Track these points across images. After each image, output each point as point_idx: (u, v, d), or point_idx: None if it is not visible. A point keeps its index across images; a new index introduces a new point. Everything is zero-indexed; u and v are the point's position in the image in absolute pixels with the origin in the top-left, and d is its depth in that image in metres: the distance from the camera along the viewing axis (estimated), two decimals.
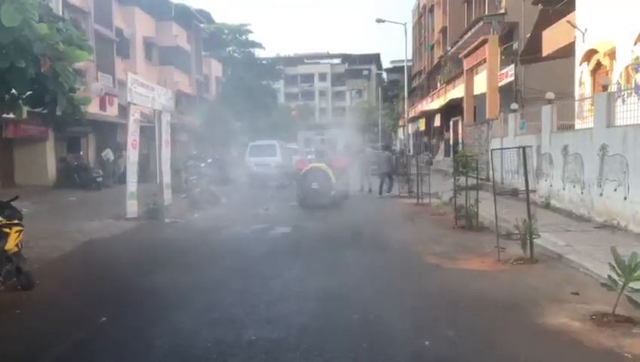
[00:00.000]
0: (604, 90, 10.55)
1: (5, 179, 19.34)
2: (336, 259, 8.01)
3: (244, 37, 46.45)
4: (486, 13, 27.18)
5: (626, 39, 12.36)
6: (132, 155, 12.75)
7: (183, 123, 30.14)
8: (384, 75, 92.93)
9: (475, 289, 6.13)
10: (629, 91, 11.04)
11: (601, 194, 9.86)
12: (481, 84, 25.56)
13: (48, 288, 6.46)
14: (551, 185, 12.34)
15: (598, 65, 14.36)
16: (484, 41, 24.18)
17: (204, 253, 8.85)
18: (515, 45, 23.80)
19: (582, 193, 10.68)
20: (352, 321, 5.09)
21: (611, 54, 13.39)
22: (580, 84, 15.53)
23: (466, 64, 27.63)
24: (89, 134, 24.11)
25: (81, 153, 23.93)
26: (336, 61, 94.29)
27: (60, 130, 21.14)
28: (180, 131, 28.87)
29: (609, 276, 5.00)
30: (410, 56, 46.60)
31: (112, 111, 25.07)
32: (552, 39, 17.67)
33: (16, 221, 6.28)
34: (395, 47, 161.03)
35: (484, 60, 24.51)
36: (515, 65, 22.75)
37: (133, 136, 12.71)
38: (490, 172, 15.70)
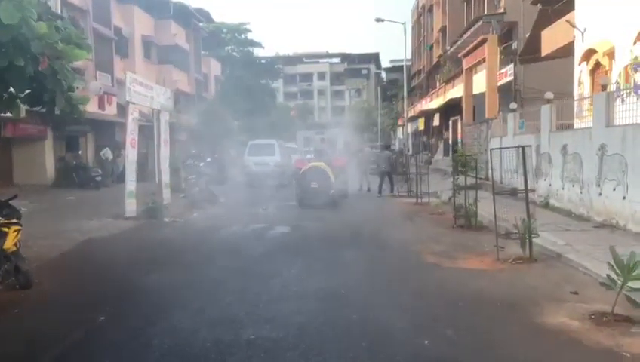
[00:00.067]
0: (603, 90, 10.55)
1: (4, 179, 19.30)
2: (336, 259, 8.01)
3: (243, 36, 46.47)
4: (485, 12, 27.18)
5: (625, 39, 12.36)
6: (131, 154, 12.74)
7: (182, 122, 30.10)
8: (383, 74, 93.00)
9: (474, 288, 6.13)
10: (628, 91, 11.04)
11: (600, 194, 9.86)
12: (480, 83, 25.57)
13: (47, 287, 6.45)
14: (550, 185, 12.35)
15: (597, 64, 14.36)
16: (484, 41, 24.19)
17: (203, 252, 8.84)
18: (515, 45, 23.81)
19: (581, 192, 10.68)
20: (351, 321, 5.09)
21: (610, 54, 13.39)
22: (579, 83, 15.54)
23: (465, 63, 27.64)
24: (88, 133, 24.07)
25: (80, 152, 23.89)
26: (336, 60, 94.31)
27: (59, 129, 21.11)
28: (178, 130, 28.83)
29: (608, 275, 5.00)
30: (409, 56, 46.63)
31: (110, 111, 25.04)
32: (551, 39, 17.68)
33: (14, 220, 6.27)
34: (394, 47, 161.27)
35: (484, 60, 24.52)
36: (515, 65, 22.76)
37: (131, 135, 12.69)
38: (490, 171, 15.73)
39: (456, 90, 30.90)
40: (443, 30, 39.87)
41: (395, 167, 18.92)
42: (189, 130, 32.69)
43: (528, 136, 13.80)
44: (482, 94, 24.64)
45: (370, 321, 5.08)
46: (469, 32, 27.10)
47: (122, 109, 20.23)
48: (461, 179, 10.72)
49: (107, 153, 23.29)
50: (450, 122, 32.96)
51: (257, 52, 49.24)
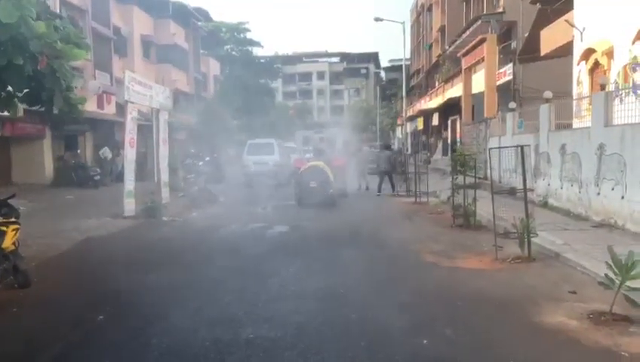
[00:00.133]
0: (601, 90, 10.55)
1: (2, 178, 19.28)
2: (334, 258, 8.01)
3: (242, 35, 46.45)
4: (484, 12, 27.18)
5: (623, 38, 12.37)
6: (130, 154, 12.73)
7: (181, 121, 30.09)
8: (382, 73, 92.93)
9: (472, 287, 6.14)
10: (627, 90, 11.06)
11: (599, 193, 9.87)
12: (479, 83, 25.57)
13: (45, 286, 6.44)
14: (549, 184, 12.36)
15: (596, 64, 14.37)
16: (483, 40, 24.20)
17: (202, 251, 8.84)
18: (514, 44, 23.82)
19: (579, 192, 10.69)
20: (350, 320, 5.09)
21: (609, 53, 13.40)
22: (578, 83, 15.55)
23: (465, 63, 27.65)
24: (86, 132, 24.04)
25: (79, 151, 23.87)
26: (335, 60, 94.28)
27: (57, 128, 21.09)
28: (177, 130, 28.80)
29: (606, 275, 5.01)
30: (408, 55, 46.62)
31: (109, 110, 25.02)
32: (550, 38, 17.68)
33: (13, 219, 6.26)
34: (393, 46, 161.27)
35: (483, 59, 24.52)
36: (514, 64, 22.77)
37: (130, 134, 12.68)
38: (488, 171, 15.73)
39: (455, 90, 30.90)
40: (442, 29, 39.87)
41: (395, 167, 18.94)
42: (188, 129, 32.68)
43: (527, 136, 13.81)
44: (481, 94, 24.65)
45: (369, 321, 5.08)
46: (468, 32, 27.10)
47: (121, 108, 20.22)
48: (460, 179, 10.72)
49: (106, 152, 23.28)
50: (449, 122, 32.97)
51: (256, 51, 49.30)
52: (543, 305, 5.37)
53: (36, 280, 6.41)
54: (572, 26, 15.26)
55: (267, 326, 4.91)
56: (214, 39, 43.96)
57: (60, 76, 7.28)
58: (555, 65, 18.79)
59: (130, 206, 12.37)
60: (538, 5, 18.86)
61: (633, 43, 12.01)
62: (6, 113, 8.19)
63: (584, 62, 14.92)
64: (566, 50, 16.46)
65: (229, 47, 46.62)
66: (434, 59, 42.90)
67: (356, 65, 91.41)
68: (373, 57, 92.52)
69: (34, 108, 8.24)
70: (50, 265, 7.78)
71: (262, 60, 51.01)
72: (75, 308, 5.63)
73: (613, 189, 9.36)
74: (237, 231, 10.78)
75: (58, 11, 19.65)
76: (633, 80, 12.01)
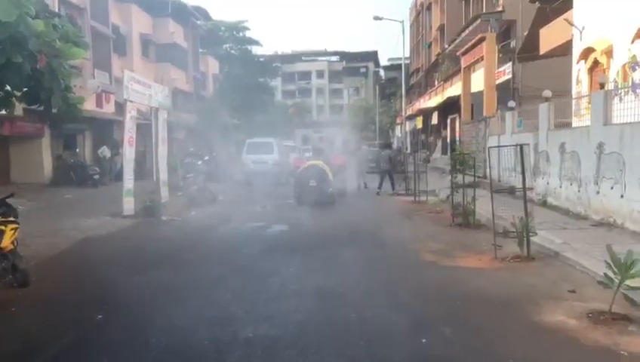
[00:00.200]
0: (601, 88, 10.56)
1: (1, 177, 19.25)
2: (334, 257, 8.01)
3: (241, 34, 46.33)
4: (484, 10, 27.20)
5: (623, 37, 12.37)
6: (129, 153, 12.71)
7: (180, 120, 30.06)
8: (382, 72, 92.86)
9: (472, 286, 6.14)
10: (626, 89, 11.06)
11: (598, 192, 9.87)
12: (478, 81, 25.54)
13: (44, 286, 6.43)
14: (548, 183, 12.36)
15: (596, 63, 14.37)
16: (482, 39, 24.16)
17: (201, 250, 8.84)
18: (513, 43, 23.84)
19: (579, 191, 10.70)
20: (349, 319, 5.09)
21: (608, 52, 13.40)
22: (577, 82, 15.55)
23: (464, 62, 27.61)
24: (85, 131, 24.00)
25: (78, 150, 23.83)
26: (334, 58, 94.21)
27: (56, 127, 21.02)
28: (177, 129, 28.78)
29: (605, 274, 5.01)
30: (407, 54, 46.56)
31: (108, 109, 24.98)
32: (549, 37, 17.68)
33: (11, 218, 6.25)
34: (392, 45, 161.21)
35: (482, 58, 24.48)
36: (513, 63, 22.79)
37: (129, 133, 12.66)
38: (488, 170, 15.72)
39: (454, 89, 30.89)
40: (441, 28, 39.87)
41: (395, 166, 18.96)
42: (187, 128, 32.66)
43: (526, 135, 13.81)
44: (480, 92, 24.60)
45: (368, 320, 5.08)
46: (467, 31, 27.10)
47: (120, 107, 20.16)
48: (459, 178, 10.72)
49: (105, 151, 23.25)
50: (449, 120, 32.98)
51: (256, 50, 49.17)
52: (542, 304, 5.36)
53: (35, 279, 6.40)
54: (571, 24, 15.26)
55: (267, 325, 4.91)
56: (213, 38, 43.87)
57: (58, 75, 7.27)
58: (555, 64, 18.80)
59: (129, 205, 12.36)
60: (537, 4, 18.86)
61: (632, 42, 12.02)
62: (3, 112, 8.17)
63: (583, 61, 14.92)
64: (565, 49, 16.47)
65: (228, 45, 46.52)
66: (433, 58, 42.89)
67: (355, 64, 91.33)
68: (373, 56, 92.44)
69: (33, 107, 8.23)
70: (49, 264, 7.77)
71: (261, 59, 50.93)
72: (74, 308, 5.63)
73: (612, 188, 9.36)
74: (236, 230, 10.77)
75: (57, 10, 19.61)
76: (632, 79, 12.02)
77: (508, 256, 7.42)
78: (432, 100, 38.40)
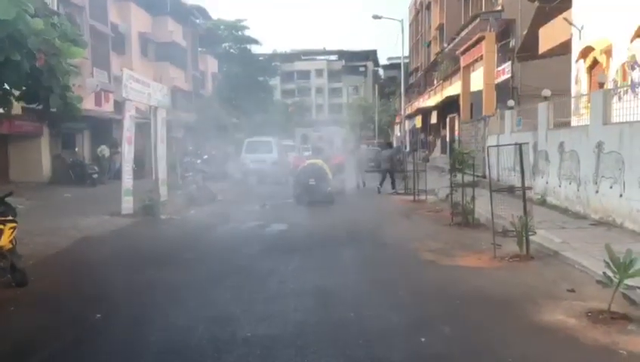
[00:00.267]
0: (600, 87, 10.56)
1: (0, 176, 19.23)
2: (333, 256, 8.01)
3: (240, 33, 46.32)
4: (483, 10, 27.18)
5: (622, 36, 12.35)
6: (127, 151, 12.70)
7: (179, 119, 30.03)
8: (381, 71, 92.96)
9: (471, 286, 6.13)
10: (625, 88, 11.06)
11: (597, 192, 9.88)
12: (477, 81, 25.57)
13: (43, 285, 6.42)
14: (547, 182, 12.36)
15: (595, 62, 14.36)
16: (481, 38, 24.20)
17: (200, 249, 8.83)
18: (512, 42, 23.81)
19: (578, 190, 10.70)
20: (348, 318, 5.08)
21: (608, 51, 13.39)
22: (577, 81, 15.54)
23: (463, 61, 27.65)
24: (84, 130, 23.99)
25: (76, 149, 23.82)
26: (333, 57, 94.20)
27: (55, 126, 21.02)
28: (176, 127, 28.76)
29: (604, 273, 5.01)
30: (407, 53, 46.57)
31: (107, 107, 24.95)
32: (548, 36, 17.67)
33: (10, 217, 6.24)
34: (391, 44, 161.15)
35: (481, 57, 24.52)
36: (512, 63, 22.77)
37: (128, 132, 12.65)
38: (487, 169, 15.70)
39: (453, 88, 30.91)
40: (440, 28, 39.87)
41: (396, 165, 18.97)
42: (186, 127, 32.64)
43: (525, 134, 13.81)
44: (480, 92, 24.64)
45: (367, 319, 5.07)
46: (466, 30, 27.08)
47: (119, 106, 20.13)
48: (458, 177, 10.72)
49: (104, 150, 23.24)
50: (448, 120, 32.99)
51: (255, 49, 49.18)
52: (541, 304, 5.36)
53: (33, 278, 6.38)
54: (570, 24, 15.25)
55: (265, 324, 4.90)
56: (212, 37, 43.86)
57: (57, 74, 7.26)
58: (554, 63, 18.78)
59: (128, 204, 12.35)
60: (536, 3, 18.84)
61: (632, 41, 12.00)
62: (2, 110, 8.16)
63: (583, 60, 14.91)
64: (564, 48, 16.45)
65: (227, 44, 46.52)
66: (432, 57, 42.89)
67: (355, 63, 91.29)
68: (372, 55, 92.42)
69: (31, 106, 8.22)
70: (48, 263, 7.75)
71: (260, 58, 50.91)
72: (73, 307, 5.62)
73: (611, 187, 9.36)
74: (235, 230, 10.77)
75: (55, 8, 19.59)
76: (631, 78, 12.01)
77: (507, 255, 7.42)
78: (431, 99, 38.40)
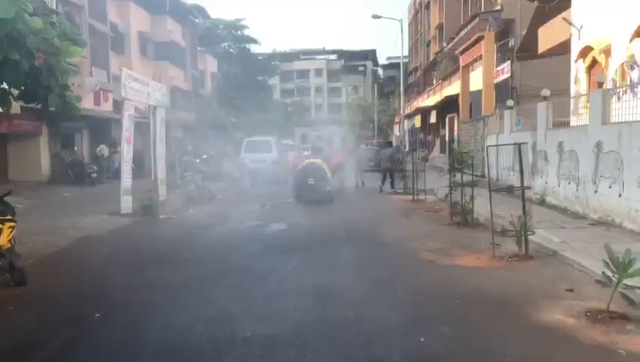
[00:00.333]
0: (599, 87, 10.57)
1: None
2: (332, 256, 8.01)
3: (239, 32, 46.29)
4: (482, 9, 27.19)
5: (621, 36, 12.36)
6: (126, 151, 12.68)
7: (179, 119, 30.00)
8: (380, 71, 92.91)
9: (470, 285, 6.14)
10: (625, 88, 11.07)
11: (596, 191, 9.88)
12: (477, 80, 25.58)
13: (42, 284, 6.41)
14: (546, 182, 12.37)
15: (594, 62, 14.37)
16: (480, 38, 24.21)
17: (199, 249, 8.83)
18: (511, 42, 23.82)
19: (577, 190, 10.71)
20: (347, 318, 5.08)
21: (607, 51, 13.40)
22: (576, 81, 15.55)
23: (462, 61, 27.66)
24: (83, 130, 23.96)
25: (76, 148, 23.79)
26: (332, 57, 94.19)
27: (54, 125, 21.00)
28: (175, 127, 28.73)
29: (603, 273, 5.01)
30: (406, 53, 46.60)
31: (106, 107, 24.92)
32: (548, 36, 17.68)
33: (9, 217, 6.23)
34: (391, 44, 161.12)
35: (480, 57, 24.54)
36: (511, 62, 22.78)
37: (127, 131, 12.64)
38: (486, 169, 15.71)
39: (453, 88, 30.92)
40: (440, 27, 39.88)
41: (396, 164, 18.99)
42: (185, 126, 32.61)
43: (525, 134, 13.82)
44: (479, 91, 24.66)
45: (366, 318, 5.07)
46: (465, 30, 27.10)
47: (118, 106, 20.12)
48: (457, 177, 10.72)
49: (103, 150, 23.21)
50: (447, 119, 33.00)
51: (254, 49, 49.14)
52: (540, 303, 5.37)
53: (32, 278, 6.38)
54: (570, 23, 15.26)
55: (265, 324, 4.90)
56: (212, 36, 43.81)
57: (56, 73, 7.25)
58: (553, 63, 18.79)
59: (127, 203, 12.33)
60: (536, 3, 18.84)
61: (631, 41, 12.01)
62: (1, 110, 8.14)
63: (582, 60, 14.92)
64: (564, 48, 16.46)
65: (226, 44, 46.47)
66: (432, 57, 42.90)
67: (354, 62, 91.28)
68: (371, 55, 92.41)
69: (30, 105, 8.21)
70: (47, 262, 7.75)
71: (259, 57, 50.88)
72: (72, 306, 5.62)
73: (610, 187, 9.37)
74: (234, 229, 10.76)
75: (55, 7, 19.56)
76: (631, 78, 12.02)
77: (506, 254, 7.42)
78: (430, 99, 38.42)
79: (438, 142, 37.16)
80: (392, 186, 17.68)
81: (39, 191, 17.19)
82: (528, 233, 7.42)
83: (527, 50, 20.00)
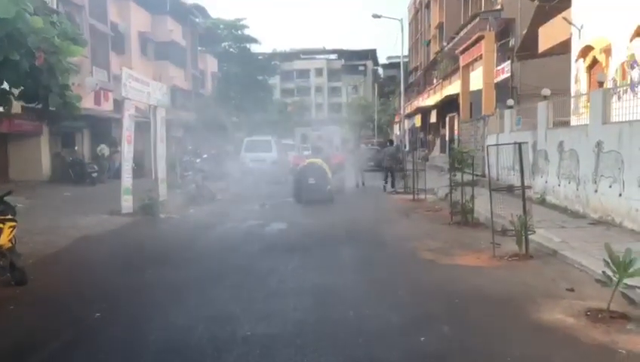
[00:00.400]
0: (600, 86, 10.57)
1: None
2: (332, 255, 8.01)
3: (239, 32, 46.25)
4: (482, 9, 27.18)
5: (621, 36, 12.37)
6: (127, 151, 12.69)
7: (179, 118, 30.01)
8: (380, 70, 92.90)
9: (470, 285, 6.14)
10: (625, 88, 11.06)
11: (596, 191, 9.88)
12: (477, 80, 25.58)
13: (42, 284, 6.42)
14: (546, 182, 12.37)
15: (594, 61, 14.37)
16: (481, 38, 24.20)
17: (199, 248, 8.83)
18: (512, 41, 23.81)
19: (577, 189, 10.70)
20: (347, 317, 5.08)
21: (607, 51, 13.40)
22: (576, 80, 15.55)
23: (462, 60, 27.65)
24: (84, 129, 23.99)
25: (76, 148, 23.81)
26: (333, 56, 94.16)
27: (55, 125, 20.99)
28: (175, 127, 28.75)
29: (604, 272, 5.01)
30: (406, 52, 46.56)
31: (106, 106, 24.94)
32: (548, 35, 17.68)
33: (9, 216, 6.24)
34: (391, 43, 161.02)
35: (481, 57, 24.53)
36: (512, 62, 22.78)
37: (128, 131, 12.64)
38: (486, 168, 15.71)
39: (453, 87, 30.91)
40: (440, 27, 39.87)
41: (397, 163, 19.01)
42: (185, 126, 32.62)
43: (525, 133, 13.82)
44: (479, 91, 24.65)
45: (366, 318, 5.07)
46: (466, 29, 27.09)
47: (119, 105, 20.13)
48: (458, 176, 10.72)
49: (103, 149, 23.23)
50: (447, 119, 33.00)
51: (254, 48, 49.09)
52: (540, 303, 5.37)
53: (33, 277, 6.38)
54: (570, 23, 15.26)
55: (265, 323, 4.90)
56: (212, 36, 43.80)
57: (56, 72, 7.25)
58: (553, 62, 18.79)
59: (127, 203, 12.34)
60: (536, 2, 18.84)
61: (631, 40, 12.01)
62: (1, 109, 8.14)
63: (582, 59, 14.92)
64: (564, 48, 16.46)
65: (226, 44, 46.43)
66: (432, 57, 42.89)
67: (354, 62, 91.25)
68: (371, 54, 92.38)
69: (31, 105, 8.21)
70: (47, 262, 7.75)
71: (259, 57, 50.85)
72: (72, 306, 5.62)
73: (610, 187, 9.36)
74: (235, 229, 10.76)
75: (55, 7, 19.57)
76: (631, 77, 12.02)
77: (506, 254, 7.42)
78: (430, 98, 38.41)
79: (438, 141, 37.16)
80: (393, 186, 17.69)
81: (40, 191, 17.21)
82: (528, 232, 7.42)
83: (528, 49, 20.00)
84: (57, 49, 7.16)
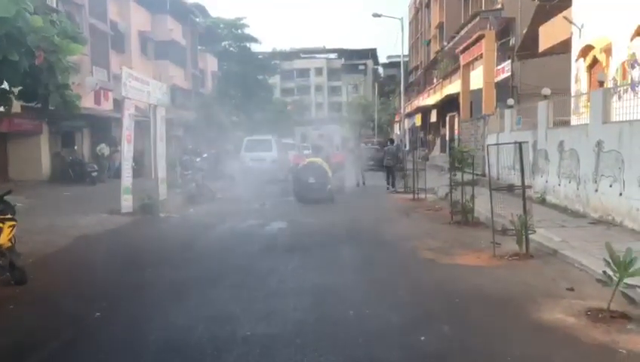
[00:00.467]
0: (600, 86, 10.56)
1: None
2: (332, 255, 8.00)
3: (239, 31, 46.22)
4: (483, 8, 27.17)
5: (622, 35, 12.35)
6: (127, 150, 12.68)
7: (179, 117, 30.01)
8: (380, 70, 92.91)
9: (470, 284, 6.13)
10: (625, 87, 11.05)
11: (597, 190, 9.87)
12: (477, 79, 25.55)
13: (42, 283, 6.41)
14: (546, 181, 12.36)
15: (595, 61, 14.35)
16: (481, 37, 24.16)
17: (199, 248, 8.82)
18: (512, 41, 23.81)
19: (577, 189, 10.70)
20: (347, 317, 5.08)
21: (607, 50, 13.39)
22: (577, 80, 15.54)
23: (463, 60, 27.61)
24: (84, 129, 23.99)
25: (76, 147, 23.80)
26: (333, 56, 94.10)
27: (54, 124, 21.02)
28: (175, 126, 28.75)
29: (604, 272, 5.01)
30: (406, 52, 46.59)
31: (106, 106, 24.95)
32: (548, 35, 17.66)
33: (9, 216, 6.23)
34: (391, 42, 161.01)
35: (481, 56, 24.49)
36: (512, 61, 22.77)
37: (127, 130, 12.63)
38: (486, 167, 15.70)
39: (453, 86, 30.89)
40: (440, 26, 39.86)
41: (398, 162, 19.00)
42: (185, 125, 32.61)
43: (525, 133, 13.81)
44: (479, 90, 24.62)
45: (366, 317, 5.07)
46: (466, 28, 27.08)
47: (118, 104, 20.13)
48: (458, 176, 10.71)
49: (103, 149, 23.22)
50: (447, 118, 32.98)
51: (254, 47, 49.04)
52: (540, 302, 5.36)
53: (33, 277, 6.38)
54: (570, 22, 15.24)
55: (265, 323, 4.90)
56: (212, 35, 43.78)
57: (56, 72, 7.24)
58: (554, 61, 18.78)
59: (127, 202, 12.33)
60: (536, 1, 18.82)
61: (631, 40, 12.00)
62: (1, 109, 8.14)
63: (582, 58, 14.91)
64: (564, 47, 16.44)
65: (226, 43, 46.39)
66: (432, 56, 42.88)
67: (354, 61, 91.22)
68: (372, 53, 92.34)
69: (31, 104, 8.21)
70: (47, 261, 7.75)
71: (260, 56, 50.81)
72: (72, 305, 5.61)
73: (611, 186, 9.36)
74: (235, 228, 10.76)
75: (55, 6, 19.56)
76: (631, 77, 12.00)
77: (506, 253, 7.42)
78: (430, 98, 38.39)
79: (438, 141, 37.14)
80: (393, 185, 17.69)
81: (39, 190, 17.21)
82: (529, 232, 7.41)
83: (528, 48, 19.98)
84: (57, 48, 7.15)
